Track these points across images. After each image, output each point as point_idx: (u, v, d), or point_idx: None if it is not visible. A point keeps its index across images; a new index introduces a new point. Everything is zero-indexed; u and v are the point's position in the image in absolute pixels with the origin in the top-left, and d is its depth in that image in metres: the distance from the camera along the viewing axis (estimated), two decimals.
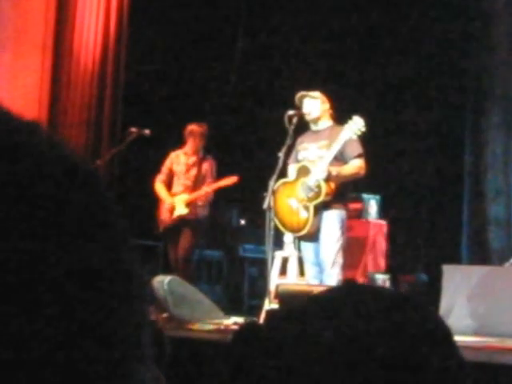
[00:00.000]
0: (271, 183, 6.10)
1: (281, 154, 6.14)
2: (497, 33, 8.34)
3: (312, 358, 0.74)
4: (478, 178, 8.41)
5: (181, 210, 7.21)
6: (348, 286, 0.88)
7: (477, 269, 6.31)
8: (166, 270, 6.89)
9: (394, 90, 9.23)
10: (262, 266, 7.77)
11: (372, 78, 9.26)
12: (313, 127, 6.30)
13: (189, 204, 7.22)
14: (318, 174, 5.92)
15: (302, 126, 6.35)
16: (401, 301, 0.81)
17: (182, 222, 7.19)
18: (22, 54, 7.88)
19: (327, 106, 6.28)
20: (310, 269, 6.17)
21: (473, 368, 0.78)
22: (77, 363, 0.46)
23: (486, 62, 8.46)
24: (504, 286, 5.80)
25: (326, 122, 6.26)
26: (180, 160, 7.40)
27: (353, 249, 7.04)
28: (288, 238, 6.47)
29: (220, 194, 7.42)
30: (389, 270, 7.92)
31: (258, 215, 6.88)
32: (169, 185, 7.40)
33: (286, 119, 6.23)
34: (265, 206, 6.09)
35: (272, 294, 6.02)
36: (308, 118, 6.26)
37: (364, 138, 6.08)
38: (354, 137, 5.96)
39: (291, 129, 6.19)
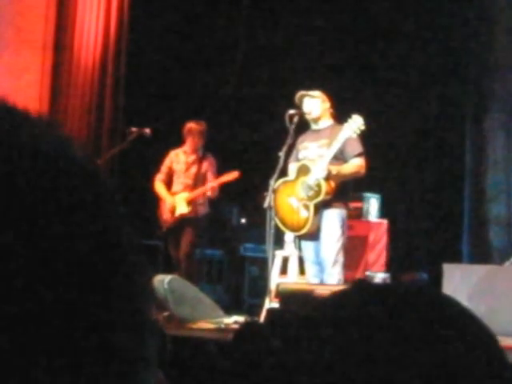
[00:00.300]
0: (272, 182, 6.11)
1: (281, 154, 6.14)
2: (497, 32, 8.34)
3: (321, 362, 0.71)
4: (479, 177, 8.41)
5: (182, 209, 7.21)
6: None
7: (477, 268, 6.31)
8: (167, 269, 6.89)
9: (394, 89, 9.23)
10: (262, 265, 7.77)
11: (372, 78, 9.26)
12: (313, 126, 6.30)
13: (190, 202, 7.22)
14: (317, 173, 5.92)
15: (303, 125, 6.35)
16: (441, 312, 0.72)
17: (182, 220, 7.19)
18: (23, 52, 7.88)
19: (328, 104, 6.28)
20: (310, 268, 6.17)
21: None
22: (78, 368, 0.46)
23: (486, 62, 8.45)
24: (504, 284, 5.80)
25: (327, 121, 6.26)
26: (180, 159, 7.40)
27: (353, 248, 7.04)
28: (288, 237, 6.48)
29: (221, 192, 7.42)
30: (389, 269, 7.92)
31: (258, 214, 6.88)
32: (168, 184, 7.40)
33: (286, 118, 6.23)
34: (265, 205, 6.10)
35: (272, 293, 6.02)
36: (308, 117, 6.26)
37: (364, 137, 6.08)
38: (354, 135, 5.96)
39: (292, 128, 6.19)
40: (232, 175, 7.12)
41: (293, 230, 6.19)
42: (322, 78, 7.59)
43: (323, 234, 6.00)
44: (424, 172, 9.32)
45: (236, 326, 5.28)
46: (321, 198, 5.93)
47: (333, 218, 5.99)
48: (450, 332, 0.69)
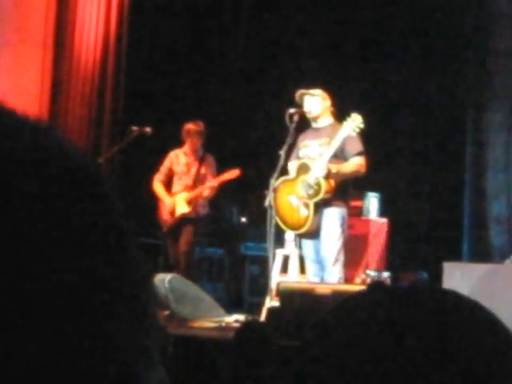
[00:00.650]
0: (272, 181, 6.11)
1: (282, 152, 6.14)
2: (498, 32, 8.33)
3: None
4: (479, 176, 8.41)
5: (183, 209, 7.21)
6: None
7: (477, 266, 6.30)
8: (167, 268, 6.89)
9: (395, 88, 9.23)
10: (263, 263, 7.77)
11: (373, 77, 9.26)
12: (314, 125, 6.30)
13: (190, 202, 7.22)
14: (317, 172, 5.91)
15: (304, 124, 6.35)
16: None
17: (182, 219, 7.19)
18: (23, 52, 7.88)
19: (328, 103, 6.28)
20: (310, 266, 6.17)
21: None
22: (81, 369, 0.46)
23: (486, 62, 8.45)
24: (505, 283, 5.80)
25: (327, 120, 6.26)
26: (180, 160, 7.39)
27: (353, 247, 7.04)
28: (289, 235, 6.47)
29: (221, 192, 7.42)
30: (389, 267, 7.93)
31: (259, 213, 6.88)
32: (167, 184, 7.39)
33: (286, 117, 6.23)
34: (266, 203, 6.10)
35: (273, 292, 6.02)
36: (309, 115, 6.26)
37: (365, 136, 6.08)
38: (354, 134, 5.96)
39: (292, 127, 6.19)
40: (233, 173, 7.11)
41: (293, 228, 6.19)
42: (322, 78, 7.59)
43: (323, 233, 6.00)
44: (424, 171, 9.32)
45: (237, 325, 5.29)
46: (320, 196, 5.92)
47: (333, 217, 5.99)
48: (476, 336, 0.72)
